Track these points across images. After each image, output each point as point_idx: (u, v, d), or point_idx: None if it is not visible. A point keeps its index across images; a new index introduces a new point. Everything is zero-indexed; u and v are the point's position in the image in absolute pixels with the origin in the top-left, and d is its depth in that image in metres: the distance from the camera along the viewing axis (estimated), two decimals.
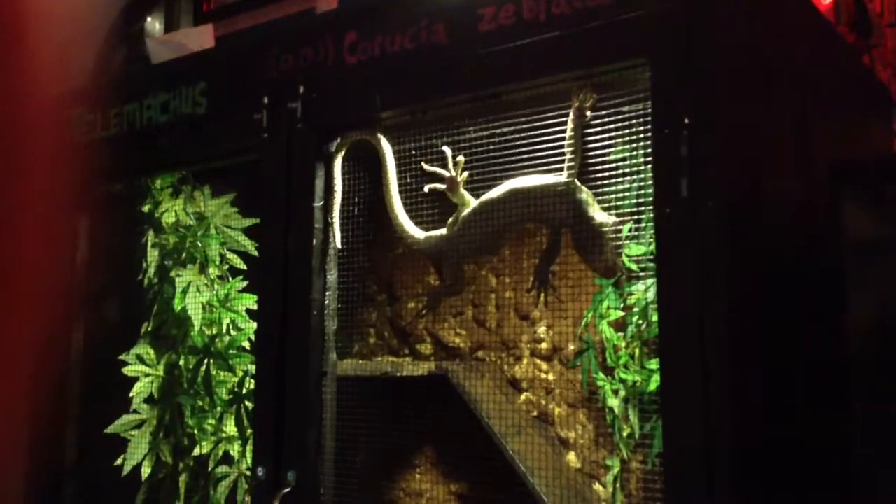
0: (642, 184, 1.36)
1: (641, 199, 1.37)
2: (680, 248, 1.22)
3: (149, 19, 2.66)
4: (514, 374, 1.74)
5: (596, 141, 1.43)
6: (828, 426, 1.46)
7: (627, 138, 1.38)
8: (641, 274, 1.39)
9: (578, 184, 1.46)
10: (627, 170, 1.39)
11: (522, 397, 1.73)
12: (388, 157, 1.68)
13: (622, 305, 1.46)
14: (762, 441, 1.26)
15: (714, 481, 1.16)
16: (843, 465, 1.45)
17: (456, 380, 1.68)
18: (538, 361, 1.73)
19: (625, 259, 1.42)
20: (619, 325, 1.48)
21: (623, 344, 1.47)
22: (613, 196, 1.42)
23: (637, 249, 1.40)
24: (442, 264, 1.73)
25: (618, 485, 1.48)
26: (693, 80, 1.22)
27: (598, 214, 1.45)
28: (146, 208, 2.00)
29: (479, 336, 1.80)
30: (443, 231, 1.64)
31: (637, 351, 1.45)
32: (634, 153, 1.37)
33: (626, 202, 1.41)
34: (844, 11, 1.89)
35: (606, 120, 1.40)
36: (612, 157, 1.41)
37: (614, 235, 1.43)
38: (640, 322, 1.43)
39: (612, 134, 1.40)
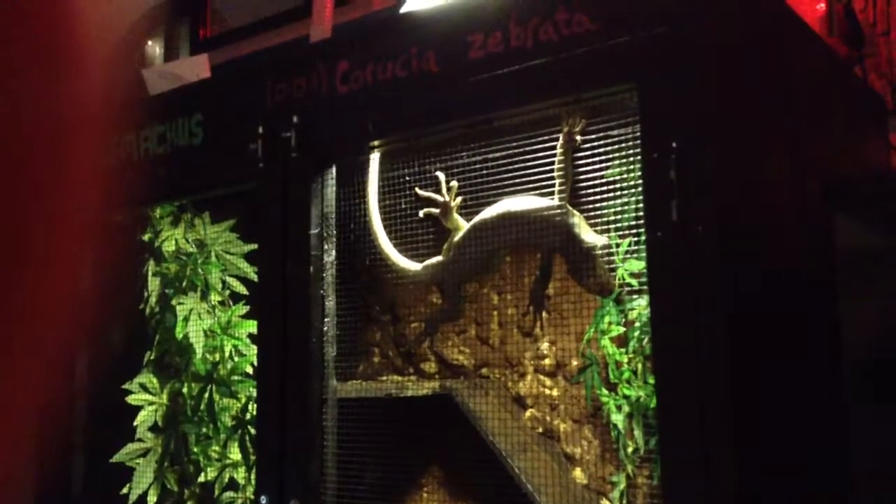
0: (639, 201, 1.36)
1: (639, 216, 1.37)
2: (672, 271, 1.22)
3: (149, 43, 2.68)
4: (519, 390, 1.74)
5: (591, 161, 1.43)
6: (824, 436, 1.45)
7: (621, 159, 1.39)
8: (643, 289, 1.39)
9: (569, 207, 1.47)
10: (624, 188, 1.40)
11: (527, 414, 1.72)
12: (372, 190, 1.71)
13: (623, 321, 1.46)
14: (761, 454, 1.26)
15: (714, 495, 1.16)
16: (841, 474, 1.44)
17: (460, 398, 1.68)
18: (542, 378, 1.73)
19: (623, 275, 1.43)
20: (622, 341, 1.48)
21: (625, 359, 1.47)
22: (612, 213, 1.43)
23: (637, 265, 1.40)
24: (442, 290, 1.75)
25: (624, 501, 1.48)
26: (681, 105, 1.22)
27: (589, 236, 1.46)
28: (146, 237, 2.01)
29: (482, 354, 1.80)
30: (439, 258, 1.66)
31: (640, 366, 1.45)
32: (629, 173, 1.38)
33: (624, 219, 1.41)
34: (836, 23, 1.88)
35: (596, 144, 1.40)
36: (608, 175, 1.41)
37: (605, 256, 1.44)
38: (642, 337, 1.43)
39: (604, 157, 1.40)
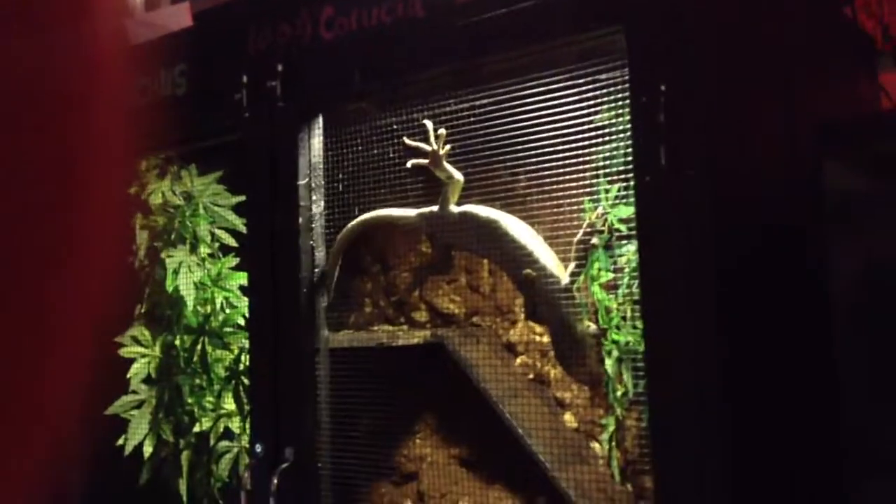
0: (629, 146, 1.36)
1: (629, 161, 1.37)
2: (661, 216, 1.22)
3: None
4: (510, 338, 1.75)
5: (581, 107, 1.42)
6: (812, 379, 1.47)
7: (610, 104, 1.38)
8: (632, 234, 1.39)
9: (573, 293, 1.50)
10: (613, 133, 1.39)
11: (518, 361, 1.74)
12: None
13: (613, 267, 1.47)
14: (748, 397, 1.28)
15: (703, 438, 1.18)
16: (830, 411, 1.47)
17: (452, 346, 1.69)
18: (533, 325, 1.74)
19: (613, 221, 1.43)
20: (612, 287, 1.49)
21: (615, 305, 1.48)
22: (602, 158, 1.42)
23: (626, 211, 1.40)
24: (433, 242, 1.75)
25: (613, 443, 1.51)
26: (669, 47, 1.21)
27: (583, 325, 1.50)
28: (132, 190, 2.00)
29: (473, 302, 1.81)
30: (434, 208, 1.65)
31: (629, 311, 1.46)
32: (619, 117, 1.37)
33: (614, 164, 1.41)
34: None
35: (585, 88, 1.39)
36: (598, 120, 1.40)
37: (596, 346, 1.46)
38: (631, 283, 1.43)
39: (593, 102, 1.39)
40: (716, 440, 1.18)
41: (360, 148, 1.71)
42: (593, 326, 1.50)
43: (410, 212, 1.71)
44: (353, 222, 1.75)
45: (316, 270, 1.68)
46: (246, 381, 1.87)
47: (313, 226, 1.70)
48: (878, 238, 1.45)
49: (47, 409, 0.43)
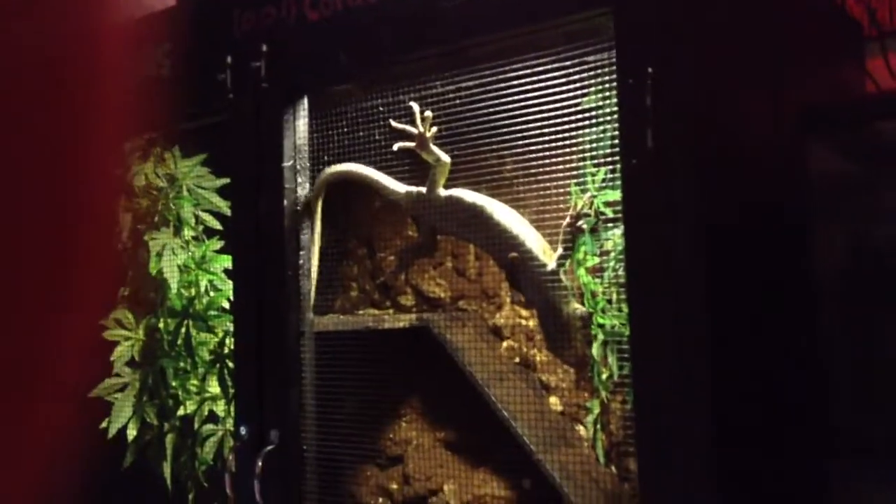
0: (616, 130, 1.35)
1: (615, 144, 1.36)
2: (647, 199, 1.22)
3: None
4: (496, 322, 1.75)
5: (568, 89, 1.41)
6: (797, 360, 1.48)
7: (597, 86, 1.37)
8: (618, 218, 1.39)
9: (561, 276, 1.49)
10: (600, 116, 1.38)
11: (504, 345, 1.74)
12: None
13: (599, 251, 1.47)
14: (733, 380, 1.28)
15: (686, 421, 1.19)
16: (817, 404, 1.48)
17: (438, 330, 1.69)
18: (518, 309, 1.74)
19: (599, 205, 1.43)
20: (598, 271, 1.49)
21: (601, 289, 1.48)
22: (589, 141, 1.41)
23: (613, 195, 1.40)
24: (419, 223, 1.74)
25: (598, 426, 1.51)
26: (656, 30, 1.20)
27: (570, 307, 1.49)
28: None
29: (459, 286, 1.81)
30: (422, 189, 1.65)
31: (615, 295, 1.47)
32: (606, 101, 1.36)
33: (601, 147, 1.40)
34: None
35: (572, 71, 1.38)
36: (585, 102, 1.40)
37: (584, 329, 1.46)
38: (617, 267, 1.43)
39: (580, 84, 1.38)
40: (700, 423, 1.19)
41: (345, 130, 1.70)
42: (581, 308, 1.50)
43: (399, 186, 1.70)
44: (342, 167, 1.72)
45: (301, 252, 1.67)
46: (231, 365, 1.87)
47: (298, 209, 1.69)
48: (861, 221, 1.46)
49: (42, 383, 0.43)
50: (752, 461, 1.32)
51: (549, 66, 1.42)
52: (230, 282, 1.90)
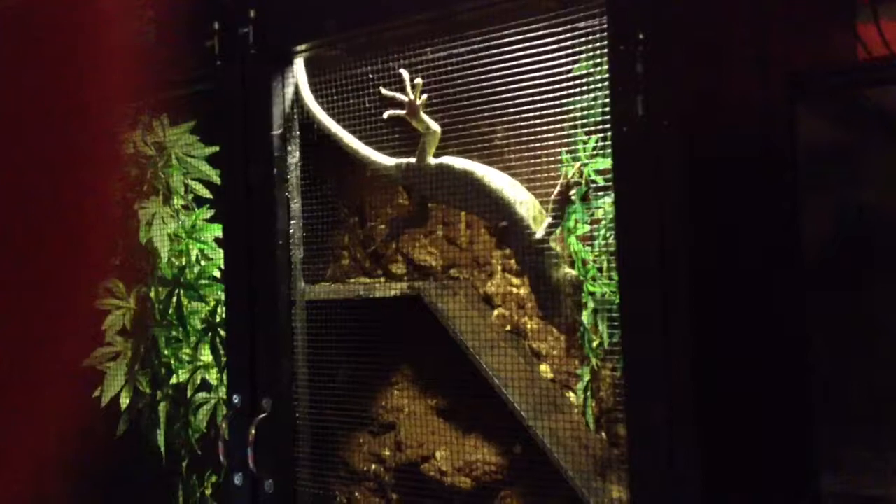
0: (607, 98, 1.35)
1: (606, 112, 1.36)
2: (637, 166, 1.22)
3: None
4: (487, 290, 1.75)
5: (558, 56, 1.40)
6: (783, 329, 1.50)
7: (589, 53, 1.36)
8: (609, 186, 1.39)
9: (550, 244, 1.48)
10: (591, 84, 1.37)
11: (496, 313, 1.75)
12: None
13: (590, 219, 1.47)
14: (720, 346, 1.29)
15: (675, 388, 1.20)
16: (799, 362, 1.49)
17: (429, 298, 1.70)
18: (510, 276, 1.75)
19: (590, 173, 1.42)
20: (588, 239, 1.49)
21: (591, 257, 1.48)
22: (579, 109, 1.41)
23: (604, 163, 1.40)
24: (410, 193, 1.73)
25: (588, 392, 1.53)
26: None
27: (561, 272, 1.48)
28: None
29: (451, 254, 1.81)
30: (412, 160, 1.63)
31: (605, 263, 1.47)
32: (598, 68, 1.35)
33: (592, 115, 1.40)
34: None
35: (563, 38, 1.37)
36: (576, 70, 1.39)
37: (575, 294, 1.46)
38: (608, 235, 1.44)
39: (571, 52, 1.37)
40: (688, 390, 1.20)
41: (335, 97, 1.68)
42: (572, 272, 1.50)
43: (388, 160, 1.69)
44: (336, 132, 1.71)
45: (292, 221, 1.67)
46: (223, 333, 1.87)
47: (289, 177, 1.68)
48: (850, 188, 1.46)
49: (43, 355, 0.43)
50: (738, 427, 1.33)
51: (540, 33, 1.40)
52: (221, 250, 1.90)
